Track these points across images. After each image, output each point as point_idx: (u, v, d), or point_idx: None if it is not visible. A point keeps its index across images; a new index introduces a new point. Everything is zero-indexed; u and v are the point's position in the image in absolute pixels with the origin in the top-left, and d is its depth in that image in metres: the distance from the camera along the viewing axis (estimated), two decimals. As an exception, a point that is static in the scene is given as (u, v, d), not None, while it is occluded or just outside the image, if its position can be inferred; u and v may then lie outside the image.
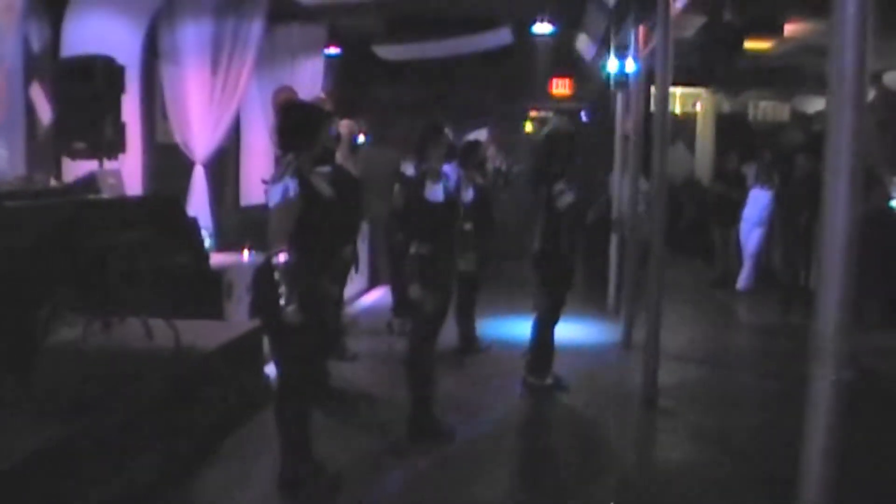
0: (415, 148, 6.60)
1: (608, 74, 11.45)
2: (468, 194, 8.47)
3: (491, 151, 10.06)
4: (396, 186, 9.07)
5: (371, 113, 13.43)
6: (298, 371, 5.25)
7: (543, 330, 7.65)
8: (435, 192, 6.27)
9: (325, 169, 5.74)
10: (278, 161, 5.82)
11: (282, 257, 4.86)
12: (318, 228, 5.10)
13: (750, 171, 13.76)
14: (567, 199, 7.35)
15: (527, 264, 7.79)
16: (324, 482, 5.38)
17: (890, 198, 12.46)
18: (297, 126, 5.25)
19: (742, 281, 13.02)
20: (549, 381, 7.68)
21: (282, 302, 4.85)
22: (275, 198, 4.99)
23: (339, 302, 8.07)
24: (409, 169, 9.07)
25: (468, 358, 8.84)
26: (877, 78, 14.89)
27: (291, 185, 4.96)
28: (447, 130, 6.60)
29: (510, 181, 10.80)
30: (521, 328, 9.16)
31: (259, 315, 5.35)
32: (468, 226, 8.00)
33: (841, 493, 3.30)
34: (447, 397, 7.05)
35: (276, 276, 4.87)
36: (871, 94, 15.18)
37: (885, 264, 10.11)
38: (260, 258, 5.89)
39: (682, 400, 7.58)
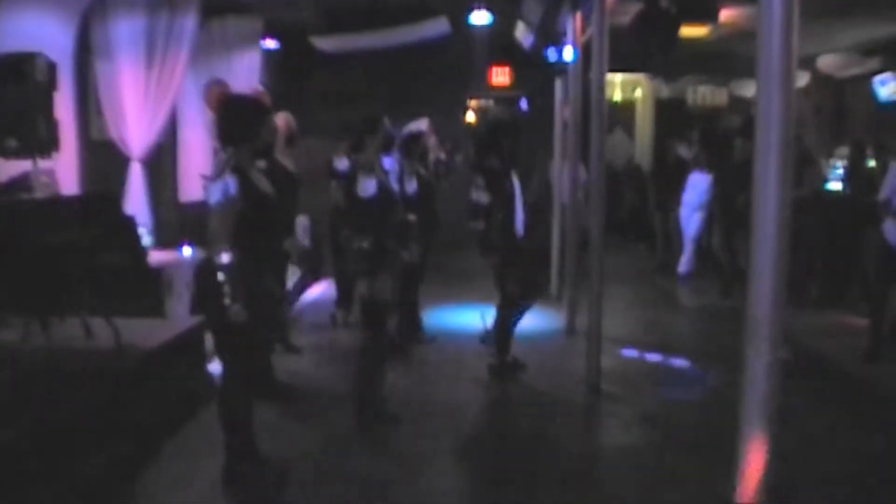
0: (348, 141, 6.59)
1: (547, 62, 11.48)
2: (411, 186, 8.46)
3: (432, 142, 10.03)
4: (333, 183, 9.03)
5: (310, 105, 13.37)
6: (243, 367, 5.22)
7: (502, 313, 7.74)
8: (367, 186, 6.24)
9: (261, 163, 5.69)
10: (217, 155, 5.77)
11: (224, 256, 4.82)
12: (259, 224, 5.06)
13: (684, 150, 13.89)
14: (478, 196, 7.47)
15: (471, 255, 7.84)
16: (269, 477, 5.36)
17: (825, 180, 12.66)
18: (237, 120, 5.19)
19: (682, 265, 13.13)
20: (508, 358, 7.84)
21: (226, 300, 4.81)
22: (215, 195, 4.93)
23: (281, 296, 8.03)
24: (341, 164, 9.02)
25: (413, 349, 8.83)
26: (811, 62, 15.10)
27: (231, 182, 4.92)
28: (385, 121, 6.57)
29: (451, 171, 10.78)
30: (465, 318, 9.19)
31: (202, 313, 5.30)
32: (412, 217, 8.03)
33: (779, 470, 3.35)
34: (394, 388, 7.06)
35: (220, 274, 4.82)
36: (806, 78, 15.41)
37: (822, 245, 10.28)
38: (201, 255, 5.83)
39: (625, 385, 7.66)
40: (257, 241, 5.05)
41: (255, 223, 5.01)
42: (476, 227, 7.57)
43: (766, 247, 3.17)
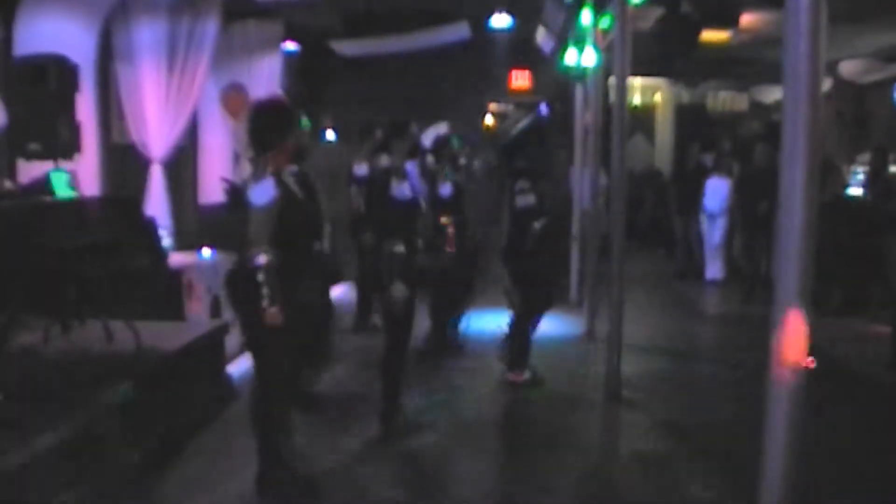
0: (367, 145, 6.54)
1: (567, 67, 11.47)
2: (445, 189, 8.36)
3: (455, 146, 9.97)
4: (353, 188, 8.99)
5: (328, 109, 13.40)
6: (281, 372, 5.18)
7: (519, 325, 7.68)
8: (402, 189, 6.22)
9: (293, 168, 5.68)
10: (238, 159, 5.77)
11: (262, 258, 4.81)
12: (294, 228, 5.06)
13: (708, 159, 13.83)
14: (527, 199, 7.40)
15: (495, 259, 7.83)
16: (297, 487, 5.32)
17: (846, 186, 12.60)
18: (270, 125, 5.18)
19: (712, 271, 13.07)
20: (526, 375, 7.72)
21: (264, 302, 4.79)
22: (257, 199, 4.92)
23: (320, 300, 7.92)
24: (360, 169, 8.97)
25: (440, 354, 8.74)
26: (832, 67, 15.03)
27: (271, 185, 4.92)
28: (413, 127, 6.54)
29: (471, 176, 10.74)
30: (488, 322, 9.15)
31: (239, 317, 5.25)
32: (446, 220, 7.96)
33: (802, 480, 3.32)
34: (421, 391, 7.06)
35: (259, 276, 4.81)
36: (828, 84, 15.33)
37: (843, 251, 10.21)
38: (230, 260, 5.79)
39: (645, 391, 7.61)
40: (294, 244, 5.05)
41: (291, 226, 5.01)
42: (534, 231, 7.49)
43: (791, 254, 3.14)
